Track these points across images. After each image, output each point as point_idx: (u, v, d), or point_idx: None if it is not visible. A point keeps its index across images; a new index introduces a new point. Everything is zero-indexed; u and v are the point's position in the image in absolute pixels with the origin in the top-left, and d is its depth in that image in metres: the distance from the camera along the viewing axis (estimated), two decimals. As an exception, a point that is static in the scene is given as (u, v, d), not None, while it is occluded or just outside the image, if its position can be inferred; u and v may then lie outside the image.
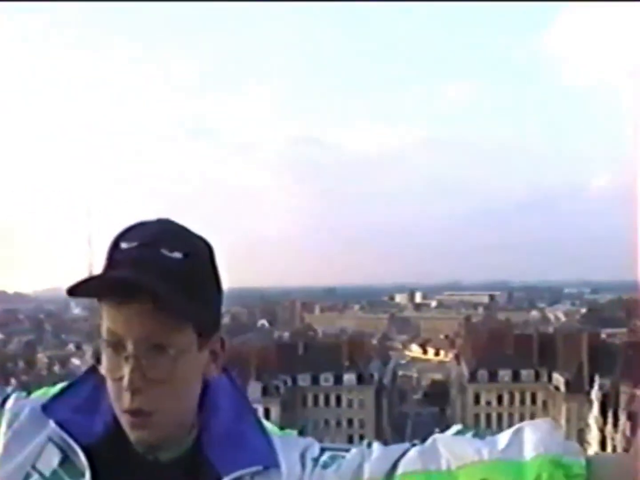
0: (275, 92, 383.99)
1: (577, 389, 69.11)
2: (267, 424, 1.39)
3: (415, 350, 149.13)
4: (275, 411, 70.35)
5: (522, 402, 79.23)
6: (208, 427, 1.32)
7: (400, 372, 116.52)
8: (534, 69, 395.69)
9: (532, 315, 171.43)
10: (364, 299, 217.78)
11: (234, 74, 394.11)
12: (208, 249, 1.30)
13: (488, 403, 79.62)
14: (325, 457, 1.35)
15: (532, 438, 1.28)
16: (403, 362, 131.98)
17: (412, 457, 1.32)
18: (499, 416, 78.09)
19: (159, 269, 1.20)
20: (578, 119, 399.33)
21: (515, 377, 78.92)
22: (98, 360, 1.26)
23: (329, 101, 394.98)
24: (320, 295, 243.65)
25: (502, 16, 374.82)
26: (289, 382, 77.31)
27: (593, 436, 62.00)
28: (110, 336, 1.22)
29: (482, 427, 76.30)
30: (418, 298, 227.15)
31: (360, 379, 79.38)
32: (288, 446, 1.35)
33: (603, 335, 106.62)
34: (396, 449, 1.36)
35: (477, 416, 79.31)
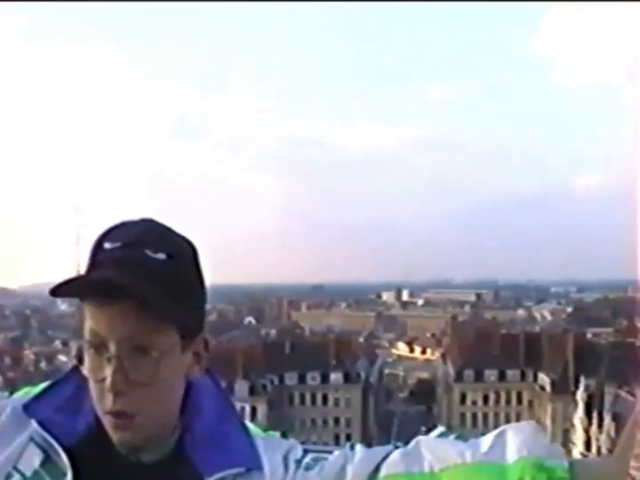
0: (271, 91, 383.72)
1: (562, 389, 69.47)
2: (250, 425, 1.38)
3: (401, 349, 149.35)
4: (262, 410, 70.50)
5: (508, 402, 79.57)
6: (191, 428, 1.31)
7: (386, 371, 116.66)
8: (530, 69, 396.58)
9: (518, 314, 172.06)
10: (351, 296, 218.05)
11: (230, 72, 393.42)
12: (192, 249, 1.29)
13: (474, 403, 79.87)
14: (308, 459, 1.34)
15: (515, 441, 1.28)
16: (390, 360, 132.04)
17: (395, 459, 1.32)
18: (485, 416, 78.42)
19: (143, 270, 1.19)
20: (566, 119, 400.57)
21: (501, 377, 79.19)
22: (80, 360, 1.25)
23: (324, 100, 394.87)
24: (308, 292, 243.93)
25: (498, 15, 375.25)
26: (276, 381, 77.37)
27: (578, 436, 62.37)
28: (92, 337, 1.21)
29: (468, 426, 76.81)
30: (405, 296, 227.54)
31: (347, 378, 79.55)
32: (271, 448, 1.34)
33: (589, 335, 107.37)
34: (379, 451, 1.36)
35: (463, 416, 79.67)
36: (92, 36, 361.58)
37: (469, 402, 79.99)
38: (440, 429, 1.42)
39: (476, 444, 1.31)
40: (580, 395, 63.06)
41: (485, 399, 79.68)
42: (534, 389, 77.75)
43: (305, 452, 1.37)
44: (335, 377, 79.14)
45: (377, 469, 1.32)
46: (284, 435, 1.45)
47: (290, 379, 79.02)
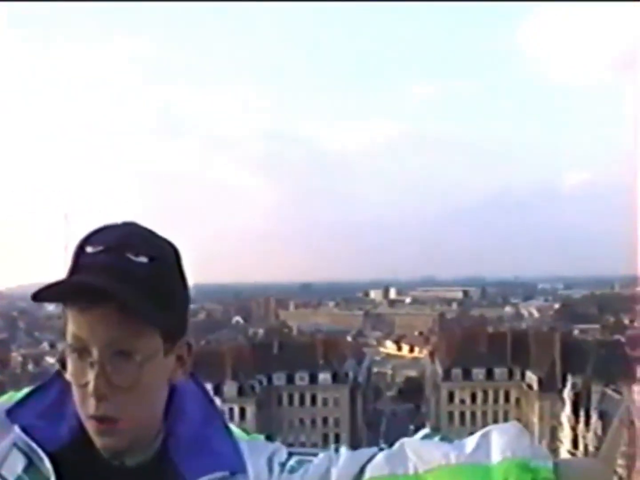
0: (259, 89, 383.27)
1: (549, 387, 69.73)
2: (234, 428, 1.37)
3: (389, 347, 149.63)
4: (251, 411, 70.60)
5: (496, 400, 79.79)
6: (174, 432, 1.31)
7: (375, 369, 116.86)
8: (522, 67, 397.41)
9: (506, 311, 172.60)
10: (339, 295, 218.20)
11: (219, 70, 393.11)
12: (174, 252, 1.28)
13: (462, 401, 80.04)
14: (292, 461, 1.34)
15: (500, 442, 1.28)
16: (378, 358, 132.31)
17: (380, 461, 1.32)
18: (473, 414, 78.62)
19: (125, 274, 1.18)
20: (554, 117, 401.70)
21: (489, 375, 79.42)
22: (63, 365, 1.23)
23: (312, 98, 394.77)
24: (296, 291, 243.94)
25: (491, 14, 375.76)
26: (264, 382, 77.42)
27: (565, 434, 62.63)
28: (75, 341, 1.20)
29: (457, 425, 77.07)
30: (392, 294, 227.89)
31: (335, 378, 79.66)
32: (255, 451, 1.34)
33: (576, 332, 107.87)
34: (364, 453, 1.35)
35: (451, 414, 79.88)
36: (91, 36, 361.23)
37: (457, 400, 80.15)
38: (425, 430, 1.41)
39: (461, 445, 1.31)
40: (567, 393, 63.29)
41: (473, 398, 79.86)
42: (521, 387, 78.03)
43: (290, 454, 1.36)
44: (324, 377, 79.22)
45: (361, 471, 1.32)
46: (269, 438, 1.43)
47: (279, 379, 79.09)
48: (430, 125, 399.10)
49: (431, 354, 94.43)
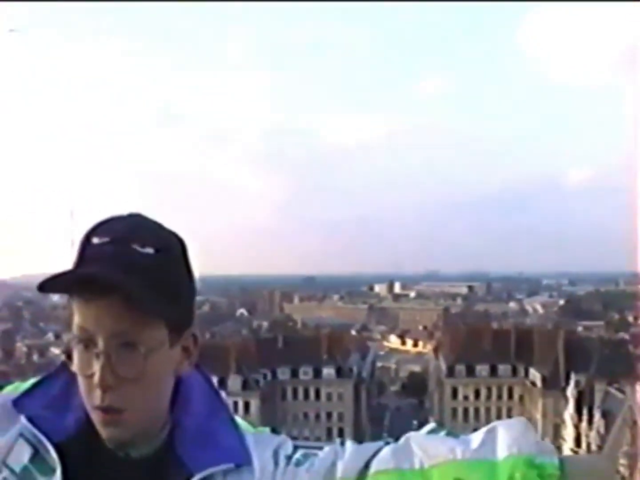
0: (258, 82, 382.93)
1: (553, 385, 69.80)
2: (240, 421, 1.38)
3: (393, 341, 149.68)
4: (255, 405, 70.84)
5: (499, 397, 79.92)
6: (180, 424, 1.31)
7: (379, 364, 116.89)
8: (523, 63, 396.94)
9: (510, 306, 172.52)
10: (343, 288, 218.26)
11: (217, 64, 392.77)
12: (180, 244, 1.28)
13: (465, 397, 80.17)
14: (298, 454, 1.34)
15: (506, 438, 1.28)
16: (381, 353, 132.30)
17: (385, 455, 1.32)
18: (476, 410, 78.77)
19: (131, 265, 1.19)
20: (558, 113, 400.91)
21: (493, 372, 79.48)
22: (69, 356, 1.24)
23: (312, 92, 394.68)
24: (300, 284, 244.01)
25: (481, 12, 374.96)
26: (269, 376, 77.61)
27: (568, 432, 62.72)
28: (80, 332, 1.20)
29: (460, 421, 77.18)
30: (397, 288, 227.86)
31: (339, 373, 79.89)
32: (261, 444, 1.34)
33: (580, 328, 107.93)
34: (369, 447, 1.36)
35: (454, 410, 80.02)
36: (91, 36, 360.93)
37: (460, 396, 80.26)
38: (431, 425, 1.42)
39: (467, 441, 1.31)
40: (570, 391, 63.39)
41: (477, 394, 79.98)
42: (525, 384, 78.10)
43: (296, 448, 1.36)
44: (328, 371, 79.43)
45: (367, 465, 1.32)
46: (275, 430, 1.44)
47: (283, 373, 79.32)
48: (435, 121, 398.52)
49: (435, 350, 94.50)
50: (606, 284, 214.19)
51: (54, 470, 1.26)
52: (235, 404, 65.27)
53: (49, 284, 1.18)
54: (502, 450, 1.27)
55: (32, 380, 1.38)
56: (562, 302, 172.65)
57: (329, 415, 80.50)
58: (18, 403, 1.32)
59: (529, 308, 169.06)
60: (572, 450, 57.89)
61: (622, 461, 41.60)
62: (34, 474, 1.27)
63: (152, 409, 1.27)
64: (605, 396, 56.72)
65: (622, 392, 53.29)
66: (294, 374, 79.63)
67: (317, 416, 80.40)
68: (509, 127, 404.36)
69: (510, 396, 79.95)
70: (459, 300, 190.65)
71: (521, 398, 79.06)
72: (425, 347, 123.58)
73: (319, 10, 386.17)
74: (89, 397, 1.22)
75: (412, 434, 1.36)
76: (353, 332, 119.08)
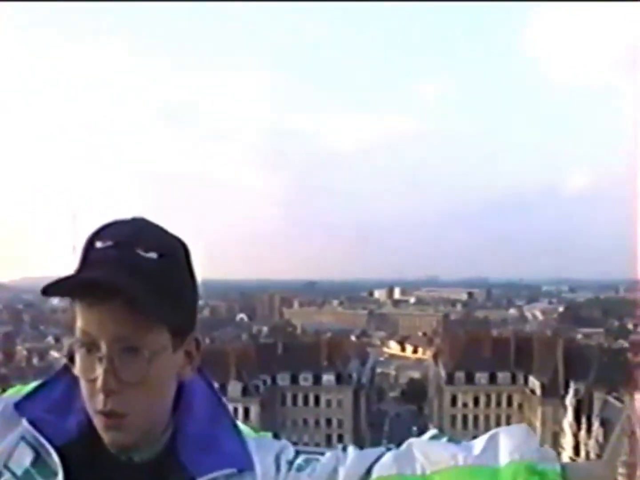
0: (259, 84, 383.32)
1: (552, 393, 69.89)
2: (242, 426, 1.39)
3: (393, 347, 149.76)
4: (254, 410, 70.91)
5: (499, 404, 79.93)
6: (182, 428, 1.31)
7: (378, 370, 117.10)
8: (516, 67, 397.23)
9: (510, 313, 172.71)
10: (343, 293, 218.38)
11: (219, 65, 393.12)
12: (183, 248, 1.28)
13: (465, 405, 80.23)
14: (299, 460, 1.35)
15: (508, 444, 1.29)
16: (381, 359, 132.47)
17: (387, 461, 1.33)
18: (476, 418, 78.80)
19: (134, 269, 1.19)
20: (558, 118, 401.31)
21: (492, 379, 79.58)
22: (71, 359, 1.24)
23: (313, 93, 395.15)
24: (300, 288, 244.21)
25: (482, 14, 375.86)
26: (269, 382, 77.71)
27: (567, 441, 62.71)
28: (83, 336, 1.21)
29: (459, 428, 77.27)
30: (397, 294, 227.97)
31: (338, 379, 79.94)
32: (263, 449, 1.35)
33: (580, 335, 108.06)
34: (371, 452, 1.37)
35: (454, 417, 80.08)
36: (92, 35, 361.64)
37: (459, 404, 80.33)
38: (432, 431, 1.43)
39: (468, 447, 1.32)
40: (569, 400, 63.43)
41: (476, 402, 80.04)
42: (524, 392, 78.16)
43: (297, 453, 1.37)
44: (327, 378, 79.51)
45: (369, 470, 1.32)
46: (276, 436, 1.47)
47: (283, 379, 79.40)
48: (436, 124, 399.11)
49: (435, 357, 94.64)
50: (606, 290, 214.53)
51: (55, 474, 1.26)
52: (235, 409, 65.33)
53: (52, 288, 1.18)
54: (504, 456, 1.28)
55: (33, 384, 1.38)
56: (561, 309, 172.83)
57: (328, 421, 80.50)
58: (20, 406, 1.32)
59: (528, 315, 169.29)
60: (570, 458, 57.96)
61: (621, 470, 41.60)
62: (36, 477, 1.27)
63: (155, 414, 1.27)
64: (604, 405, 56.76)
65: (621, 401, 53.31)
66: (294, 380, 79.66)
67: (317, 422, 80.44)
68: (509, 132, 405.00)
69: (510, 404, 79.97)
70: (459, 307, 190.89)
71: (520, 406, 79.10)
72: (424, 354, 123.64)
73: (319, 10, 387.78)
74: (91, 401, 1.22)
75: (413, 439, 1.37)
76: (353, 338, 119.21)
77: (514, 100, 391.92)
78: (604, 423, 53.83)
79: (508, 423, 69.00)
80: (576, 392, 63.30)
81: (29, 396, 1.34)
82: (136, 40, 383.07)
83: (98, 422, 1.23)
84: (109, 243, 1.22)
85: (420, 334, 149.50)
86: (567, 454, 60.04)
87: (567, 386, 66.49)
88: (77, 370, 1.23)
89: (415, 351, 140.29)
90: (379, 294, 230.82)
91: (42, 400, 1.34)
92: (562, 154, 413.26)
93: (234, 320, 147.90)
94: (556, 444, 63.96)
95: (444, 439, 1.38)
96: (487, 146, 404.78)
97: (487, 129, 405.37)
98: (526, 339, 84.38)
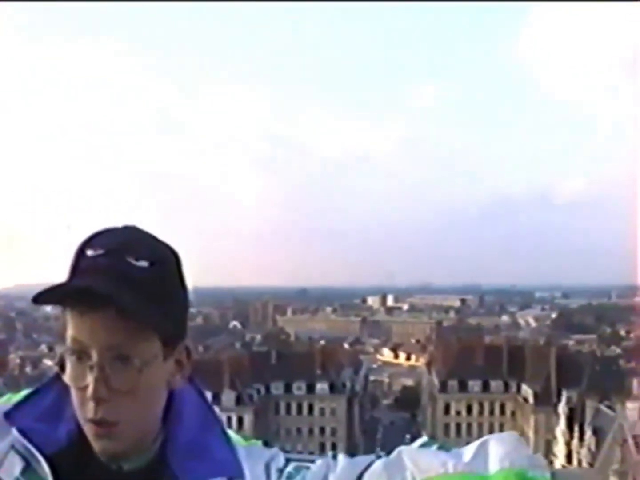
0: (257, 92, 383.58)
1: (545, 401, 70.14)
2: (232, 434, 1.39)
3: (386, 355, 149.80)
4: (248, 419, 70.95)
5: (492, 412, 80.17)
6: (173, 437, 1.32)
7: (371, 377, 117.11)
8: (510, 72, 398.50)
9: (503, 320, 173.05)
10: (336, 300, 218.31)
11: (217, 72, 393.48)
12: (174, 257, 1.29)
13: (458, 413, 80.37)
14: (290, 468, 1.36)
15: (498, 451, 1.29)
16: (374, 366, 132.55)
17: (377, 469, 1.33)
18: (469, 426, 78.92)
19: (125, 278, 1.19)
20: (549, 125, 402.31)
21: (485, 387, 79.89)
22: (62, 368, 1.24)
23: (310, 101, 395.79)
24: (293, 295, 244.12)
25: (479, 19, 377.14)
26: (262, 391, 77.69)
27: (560, 449, 62.98)
28: (74, 344, 1.21)
29: (452, 436, 77.45)
30: (390, 301, 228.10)
31: (332, 388, 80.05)
32: (253, 457, 1.35)
33: (572, 342, 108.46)
34: (361, 460, 1.37)
35: (447, 426, 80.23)
36: (92, 36, 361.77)
37: (453, 412, 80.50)
38: (423, 438, 1.44)
39: (459, 454, 1.32)
40: (562, 408, 63.73)
41: (469, 410, 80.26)
42: (517, 400, 78.42)
43: (288, 461, 1.38)
44: (321, 387, 79.65)
45: (359, 478, 1.33)
46: (267, 444, 1.48)
47: (277, 388, 79.39)
48: (429, 131, 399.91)
49: (428, 365, 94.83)
50: (599, 296, 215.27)
51: None
52: (229, 419, 65.44)
53: (44, 296, 1.18)
54: (494, 463, 1.28)
55: (24, 392, 1.38)
56: (554, 315, 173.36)
57: (322, 430, 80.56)
58: (9, 415, 1.32)
59: (521, 321, 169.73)
60: (563, 466, 58.15)
61: (613, 479, 41.76)
62: None
63: (145, 422, 1.26)
64: (596, 413, 56.97)
65: (613, 409, 53.60)
66: (288, 389, 79.69)
67: (311, 431, 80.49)
68: (502, 138, 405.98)
69: (503, 412, 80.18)
70: (452, 314, 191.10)
71: (513, 414, 79.35)
72: (418, 361, 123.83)
73: (319, 23, 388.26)
74: (82, 410, 1.22)
75: (403, 447, 1.36)
76: (346, 346, 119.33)
77: (507, 106, 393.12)
78: (596, 431, 54.01)
79: (501, 431, 68.07)
80: (568, 400, 63.61)
81: (18, 405, 1.34)
82: (136, 40, 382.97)
83: (88, 430, 1.23)
84: (100, 251, 1.22)
85: (413, 341, 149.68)
86: (559, 462, 60.33)
87: (559, 394, 66.81)
88: (67, 378, 1.23)
89: (408, 358, 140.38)
90: (372, 301, 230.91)
91: (33, 409, 1.33)
92: (555, 160, 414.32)
93: (227, 328, 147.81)
94: (549, 452, 64.24)
95: (434, 447, 1.37)
96: (481, 152, 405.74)
97: (481, 135, 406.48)
98: (519, 347, 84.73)
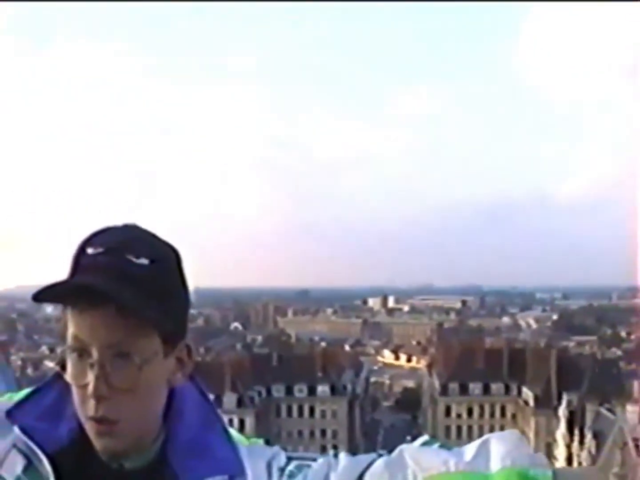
0: (257, 93, 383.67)
1: (545, 404, 70.22)
2: (233, 432, 1.40)
3: (387, 356, 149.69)
4: (250, 422, 71.04)
5: (492, 415, 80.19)
6: (174, 435, 1.32)
7: (372, 379, 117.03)
8: (509, 75, 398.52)
9: (503, 321, 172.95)
10: (337, 302, 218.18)
11: (217, 74, 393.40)
12: (175, 255, 1.29)
13: (459, 415, 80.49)
14: (291, 466, 1.36)
15: (499, 450, 1.30)
16: (375, 368, 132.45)
17: (379, 467, 1.33)
18: (470, 428, 78.96)
19: (125, 275, 1.19)
20: (551, 126, 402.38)
21: (486, 390, 79.99)
22: (63, 366, 1.25)
23: (308, 104, 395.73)
24: (294, 297, 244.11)
25: (479, 19, 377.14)
26: (264, 393, 77.90)
27: (560, 452, 63.05)
28: (75, 342, 1.21)
29: (453, 439, 77.48)
30: (391, 302, 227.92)
31: (333, 390, 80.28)
32: (254, 455, 1.36)
33: (572, 344, 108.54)
34: (363, 459, 1.37)
35: (448, 428, 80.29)
36: (91, 36, 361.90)
37: (454, 415, 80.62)
38: (424, 437, 1.44)
39: (460, 453, 1.33)
40: (562, 411, 63.78)
41: (470, 412, 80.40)
42: (517, 403, 78.56)
43: (289, 459, 1.38)
44: (322, 389, 79.87)
45: (360, 477, 1.33)
46: (268, 442, 1.50)
47: (278, 391, 79.54)
48: (430, 133, 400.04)
49: (429, 367, 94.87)
50: (599, 298, 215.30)
51: None
52: (230, 421, 65.56)
53: (44, 294, 1.19)
54: (496, 462, 1.28)
55: (25, 391, 1.39)
56: (555, 316, 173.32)
57: (323, 432, 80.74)
58: (11, 414, 1.32)
59: (522, 323, 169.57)
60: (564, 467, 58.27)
61: (613, 481, 41.93)
62: None
63: (146, 420, 1.27)
64: (597, 416, 57.03)
65: (613, 412, 53.69)
66: (289, 391, 79.87)
67: (312, 433, 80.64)
68: (503, 140, 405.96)
69: (503, 414, 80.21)
70: (453, 315, 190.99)
71: (514, 416, 79.34)
72: (419, 362, 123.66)
73: (316, 17, 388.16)
74: (82, 408, 1.22)
75: (405, 446, 1.37)
76: (347, 347, 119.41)
77: (508, 107, 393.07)
78: (596, 435, 54.09)
79: (501, 433, 68.72)
80: (569, 403, 63.69)
81: (20, 403, 1.34)
82: (136, 40, 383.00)
83: (89, 428, 1.23)
84: (100, 249, 1.22)
85: (414, 342, 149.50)
86: (559, 465, 60.33)
87: (560, 397, 66.88)
88: (68, 376, 1.23)
89: (409, 360, 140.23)
90: (373, 302, 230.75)
91: (34, 408, 1.33)
92: (556, 161, 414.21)
93: (228, 329, 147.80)
94: (549, 455, 64.28)
95: (436, 445, 1.37)
96: (481, 154, 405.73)
97: (482, 136, 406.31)
98: (519, 349, 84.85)
